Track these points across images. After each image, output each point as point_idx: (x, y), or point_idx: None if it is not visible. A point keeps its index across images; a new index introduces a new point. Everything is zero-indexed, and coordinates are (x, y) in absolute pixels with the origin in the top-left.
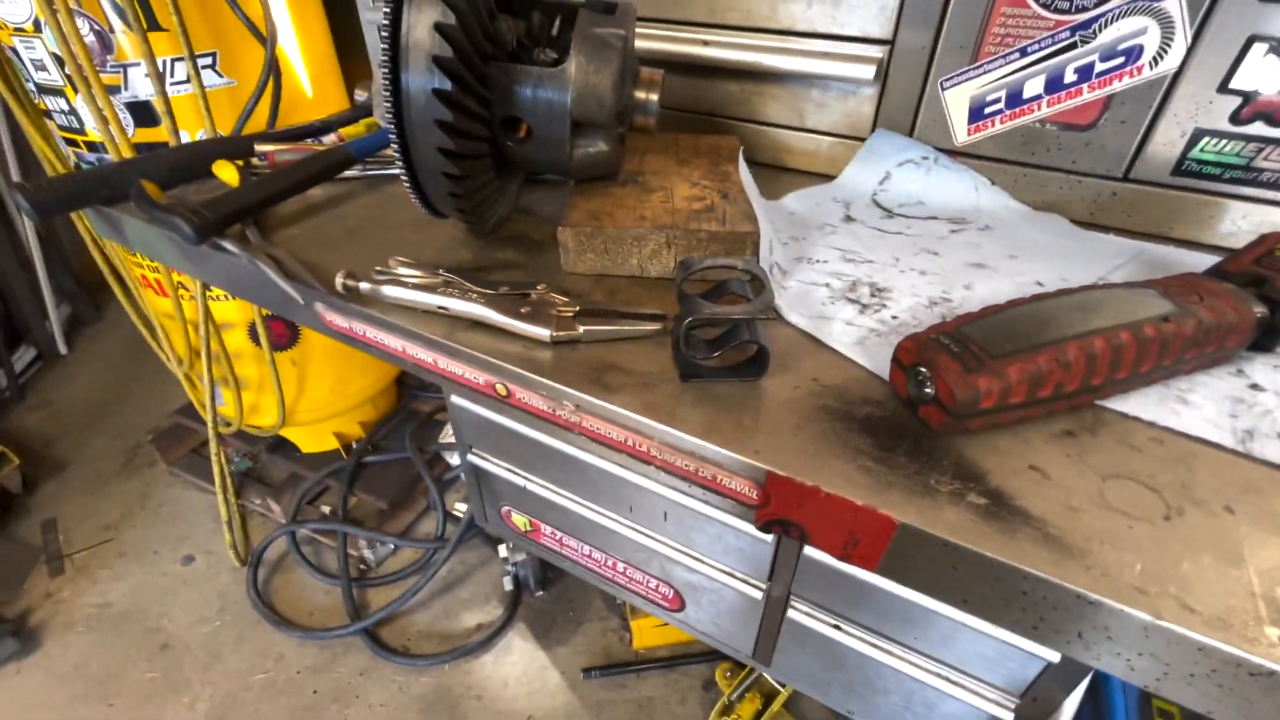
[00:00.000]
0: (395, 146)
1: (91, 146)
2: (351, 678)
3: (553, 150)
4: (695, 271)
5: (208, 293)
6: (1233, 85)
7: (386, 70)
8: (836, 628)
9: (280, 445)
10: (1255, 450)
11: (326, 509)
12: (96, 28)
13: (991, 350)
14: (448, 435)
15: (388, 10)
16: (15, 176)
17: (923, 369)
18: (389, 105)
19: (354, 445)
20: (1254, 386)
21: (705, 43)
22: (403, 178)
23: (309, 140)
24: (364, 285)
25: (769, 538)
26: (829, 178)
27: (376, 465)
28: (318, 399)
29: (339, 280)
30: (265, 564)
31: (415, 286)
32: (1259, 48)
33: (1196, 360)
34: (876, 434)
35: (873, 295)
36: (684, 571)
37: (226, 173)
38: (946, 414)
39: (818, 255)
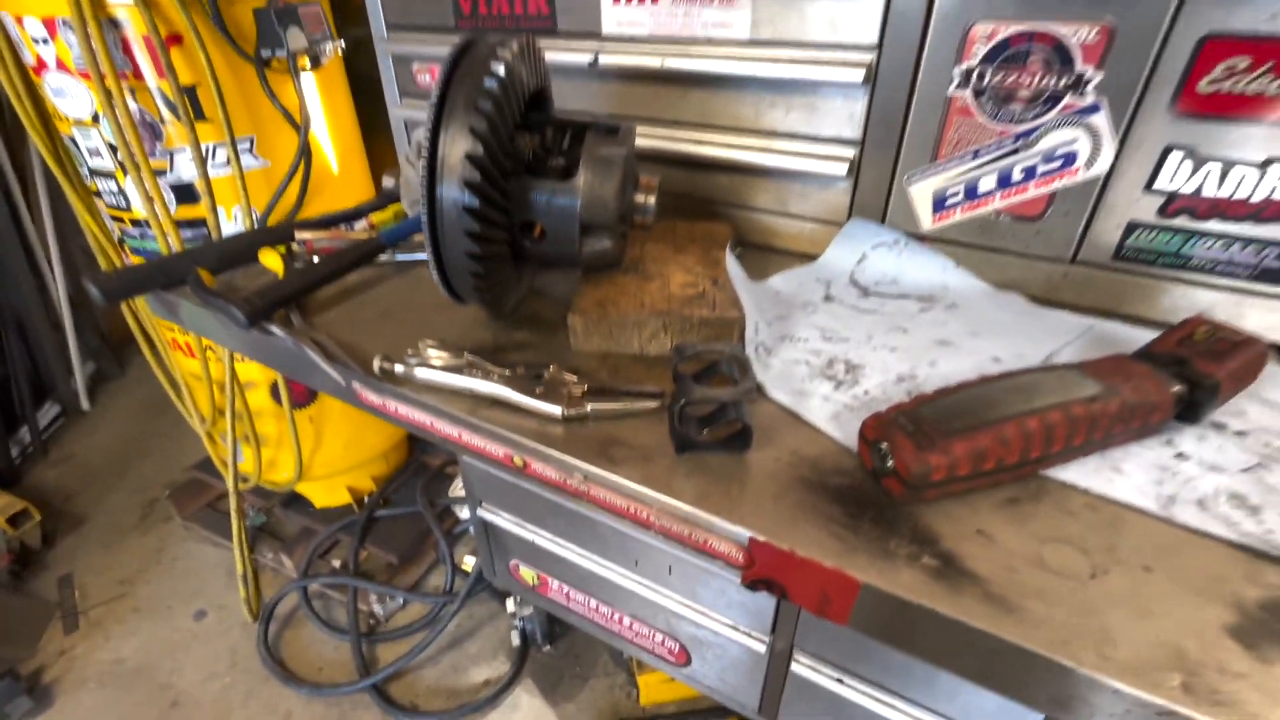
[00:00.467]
0: (428, 246)
1: (136, 223)
2: None
3: (564, 248)
4: (689, 356)
5: (233, 356)
6: (1156, 186)
7: (425, 184)
8: (840, 681)
9: (294, 500)
10: (1175, 515)
11: (337, 563)
12: (149, 119)
13: (941, 429)
14: (457, 489)
15: (428, 137)
16: (53, 245)
17: (883, 444)
18: (426, 212)
19: (366, 499)
20: (1179, 455)
21: (698, 142)
22: (433, 271)
23: (342, 227)
24: (398, 368)
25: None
26: (812, 257)
27: (387, 519)
28: (333, 454)
29: (376, 364)
30: (276, 619)
31: (442, 368)
32: (1175, 155)
33: (1125, 433)
34: (846, 502)
35: (847, 372)
36: (689, 626)
37: (271, 260)
38: (904, 485)
39: (800, 333)
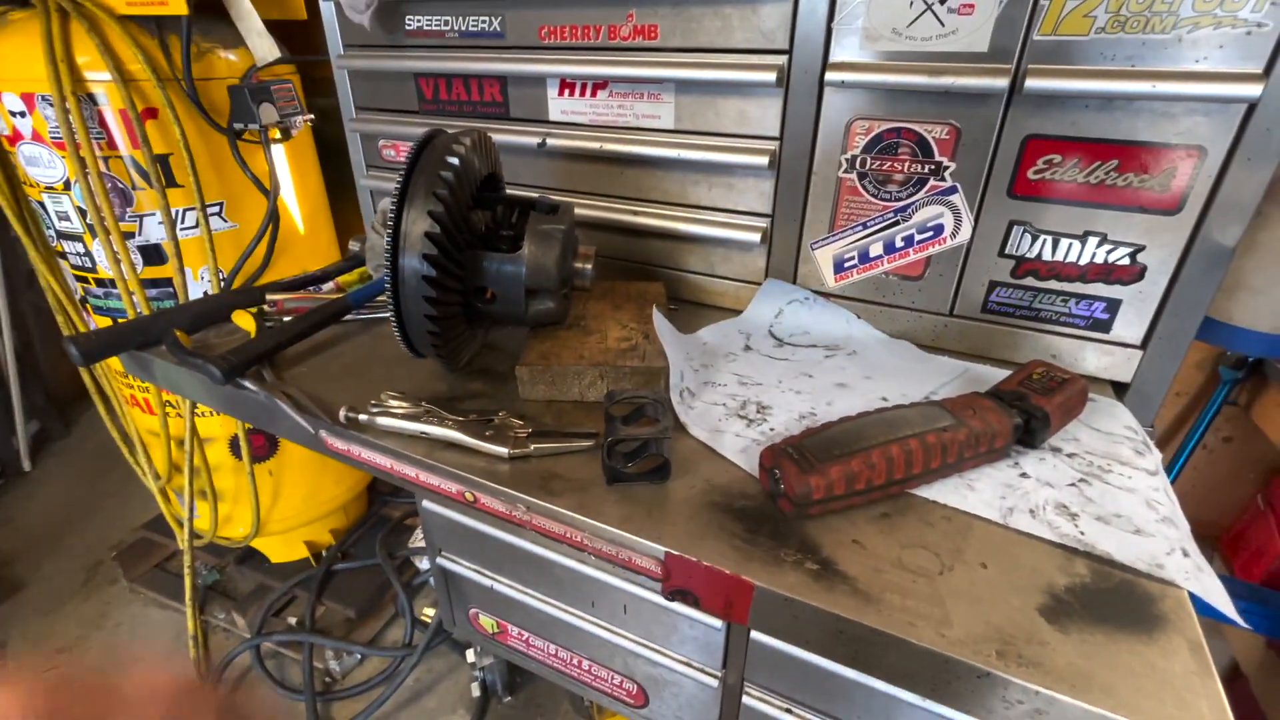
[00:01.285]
0: (390, 309)
1: (100, 283)
2: None
3: (512, 308)
4: (619, 400)
5: (195, 411)
6: (1007, 252)
7: (389, 256)
8: (789, 711)
9: (249, 556)
10: (1012, 522)
11: (293, 620)
12: (120, 185)
13: (820, 456)
14: (417, 540)
15: (392, 216)
16: (1, 302)
17: (776, 470)
18: (389, 280)
19: (324, 553)
20: (1022, 475)
21: (635, 213)
22: (395, 331)
23: (310, 289)
24: (362, 416)
25: (719, 624)
26: (738, 312)
27: (345, 573)
28: (291, 508)
29: (342, 413)
30: (226, 682)
31: (402, 416)
32: (1017, 228)
33: (976, 457)
34: (747, 520)
35: (757, 412)
36: (645, 665)
37: (244, 321)
38: (792, 503)
39: (720, 380)
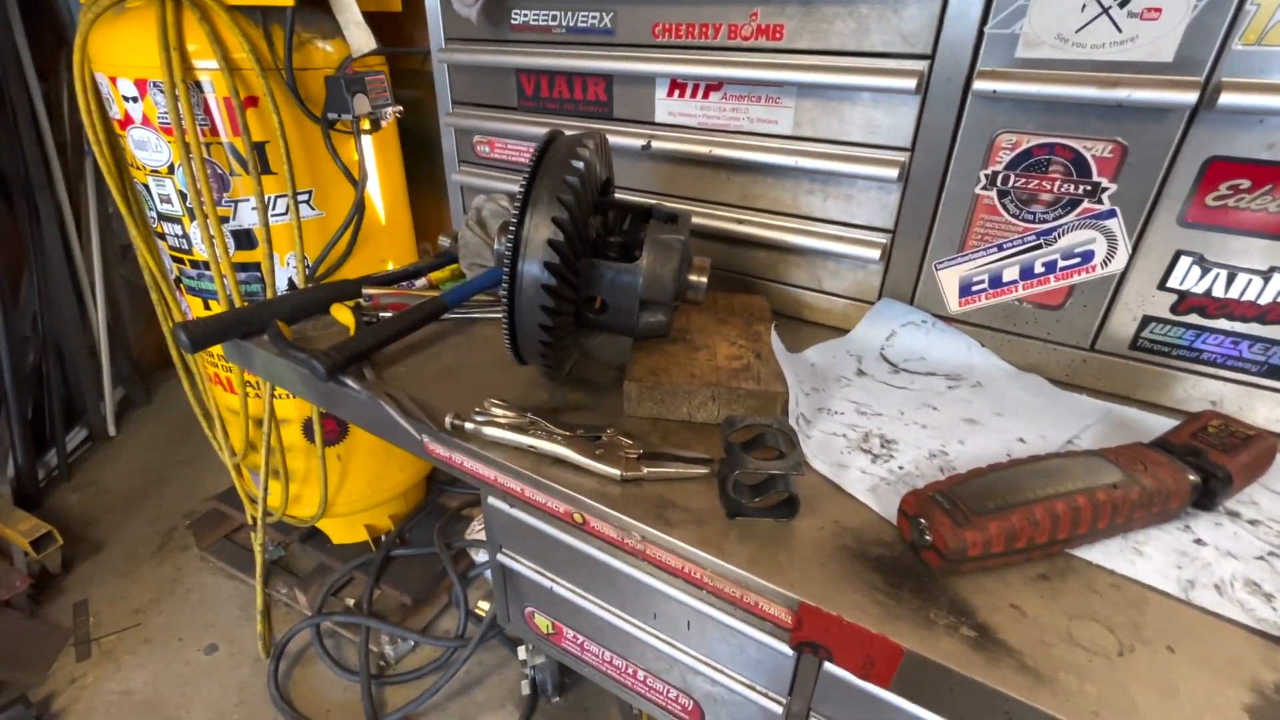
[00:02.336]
0: (505, 315)
1: (195, 264)
2: None
3: (623, 319)
4: (739, 428)
5: (274, 394)
6: (1169, 285)
7: (509, 261)
8: None
9: (312, 535)
10: (1195, 598)
11: (351, 601)
12: (219, 171)
13: (975, 508)
14: (474, 531)
15: (514, 219)
16: (98, 274)
17: (923, 520)
18: (506, 286)
19: (383, 538)
20: (1197, 541)
21: (739, 221)
22: (504, 335)
23: (404, 284)
24: (468, 425)
25: (790, 651)
26: (843, 330)
27: (403, 559)
28: (356, 492)
29: (448, 421)
30: (287, 656)
31: (508, 427)
32: (1185, 259)
33: (1145, 518)
34: (886, 572)
35: (882, 446)
36: (705, 683)
37: (343, 315)
38: (942, 558)
39: (836, 407)
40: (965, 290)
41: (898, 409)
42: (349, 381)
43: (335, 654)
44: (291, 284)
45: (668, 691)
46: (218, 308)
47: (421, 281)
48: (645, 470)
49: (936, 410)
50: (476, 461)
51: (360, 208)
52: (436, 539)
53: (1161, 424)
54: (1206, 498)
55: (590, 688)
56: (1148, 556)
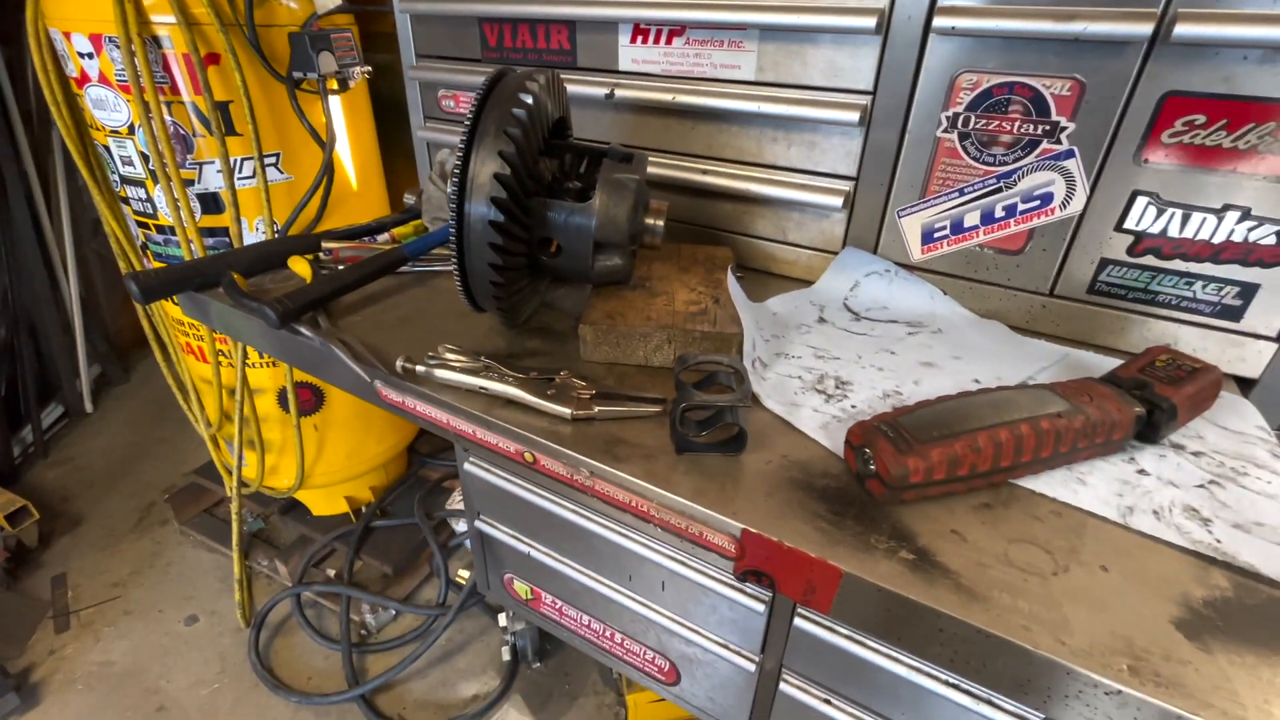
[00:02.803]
0: (453, 257)
1: (160, 229)
2: None
3: (578, 263)
4: (690, 365)
5: (246, 361)
6: (1126, 226)
7: (454, 199)
8: (827, 702)
9: (292, 507)
10: (1133, 523)
11: (332, 572)
12: (182, 132)
13: (919, 436)
14: (454, 502)
15: (460, 157)
16: (69, 249)
17: (867, 449)
18: (453, 226)
19: (363, 509)
20: (1141, 472)
21: (704, 171)
22: (456, 280)
23: (366, 239)
24: (419, 368)
25: (761, 608)
26: (808, 282)
27: (384, 530)
28: (334, 463)
29: (399, 363)
30: (267, 626)
31: (461, 370)
32: (1141, 199)
33: (1090, 448)
34: (831, 501)
35: (837, 387)
36: (680, 643)
37: (300, 267)
38: (885, 486)
39: (794, 351)
40: (928, 237)
41: (856, 354)
42: (302, 329)
43: (316, 624)
44: None
45: (644, 653)
46: None
47: (384, 237)
48: (596, 409)
49: (894, 355)
50: (429, 405)
51: (329, 170)
52: (417, 510)
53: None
54: (1151, 429)
55: (570, 653)
56: (1090, 486)
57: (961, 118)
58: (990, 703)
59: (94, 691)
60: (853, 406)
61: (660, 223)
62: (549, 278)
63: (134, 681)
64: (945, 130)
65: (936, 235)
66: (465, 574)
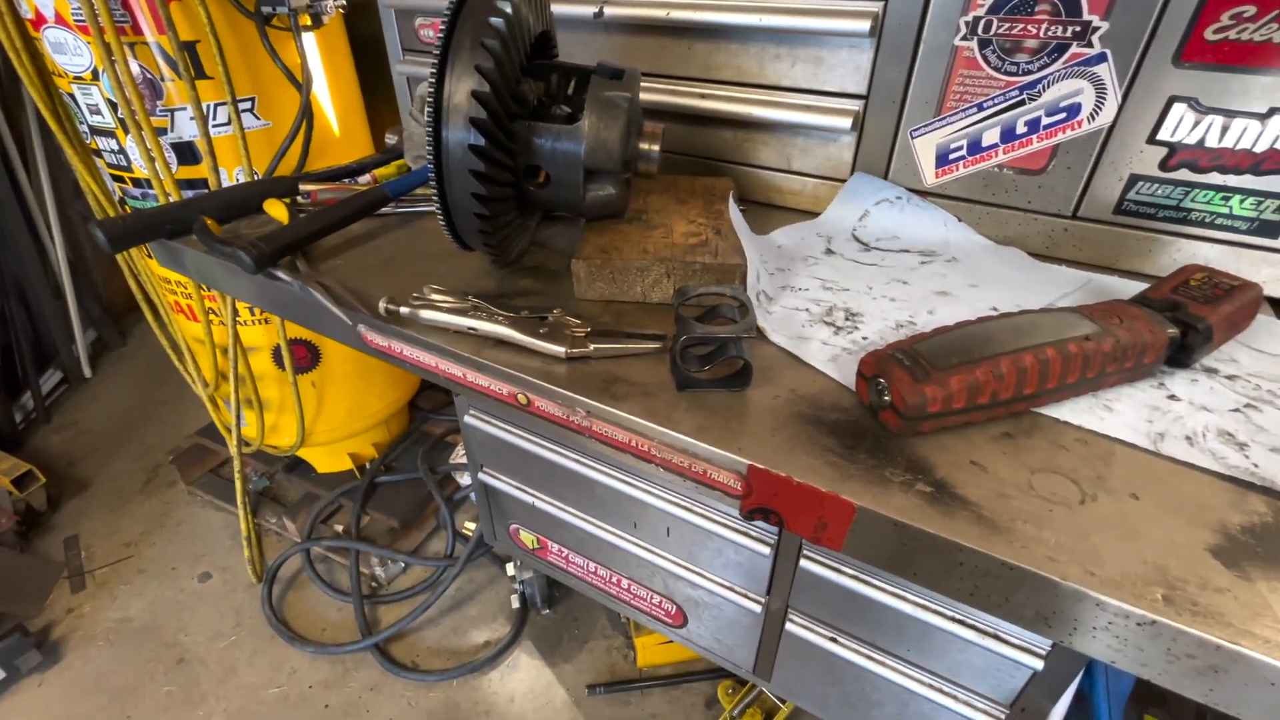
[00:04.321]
0: (434, 190)
1: (137, 183)
2: (362, 693)
3: (568, 193)
4: (691, 298)
5: (237, 319)
6: (1159, 137)
7: (430, 125)
8: (833, 640)
9: (296, 465)
10: (1164, 449)
11: (339, 527)
12: (149, 76)
13: (937, 363)
14: (458, 456)
15: (432, 75)
16: (52, 211)
17: (881, 379)
18: (430, 155)
19: (367, 465)
20: (1171, 397)
21: (702, 95)
22: (439, 216)
23: (346, 180)
24: (403, 309)
25: (766, 550)
26: (814, 214)
27: (388, 485)
28: (335, 420)
29: (381, 305)
30: (279, 581)
31: (448, 310)
32: (1178, 106)
33: (1118, 373)
34: (842, 435)
35: (846, 319)
36: (686, 587)
37: (276, 210)
38: (900, 417)
39: (800, 284)
40: (942, 159)
41: (866, 284)
42: (279, 273)
43: (327, 577)
44: None
45: (651, 598)
46: None
47: (366, 178)
48: (592, 347)
49: (907, 284)
50: (415, 348)
51: (307, 114)
52: (421, 465)
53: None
54: (1184, 352)
55: (578, 599)
56: (1117, 412)
57: (983, 22)
58: (996, 636)
59: (114, 646)
60: (864, 338)
61: (655, 147)
62: (540, 214)
63: (153, 636)
64: (964, 37)
65: (952, 156)
66: (471, 526)
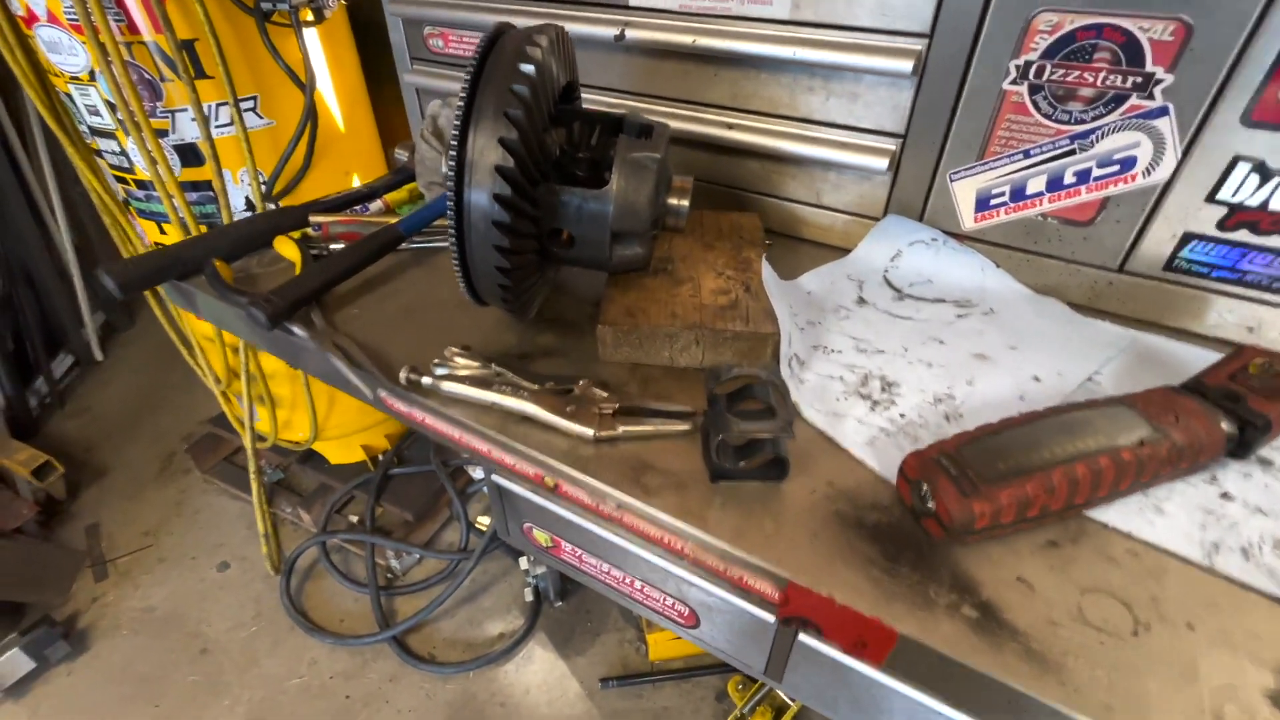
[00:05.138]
0: (454, 253)
1: (140, 184)
2: (381, 684)
3: (594, 252)
4: (724, 380)
5: None
6: (1219, 197)
7: (450, 184)
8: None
9: (309, 456)
10: (1219, 565)
11: (354, 518)
12: (147, 76)
13: (985, 474)
14: None
15: (454, 141)
16: (54, 194)
17: (924, 486)
18: (453, 221)
19: (380, 458)
20: (1224, 496)
21: (729, 125)
22: (457, 273)
23: (357, 209)
24: (425, 380)
25: (772, 619)
26: (843, 250)
27: (402, 477)
28: (347, 415)
29: (403, 375)
30: (297, 572)
31: (470, 381)
32: (1243, 166)
33: (1171, 474)
34: (883, 542)
35: (883, 390)
36: (698, 593)
37: (288, 249)
38: (946, 530)
39: (833, 344)
40: (983, 204)
41: (901, 344)
42: (295, 329)
43: (343, 568)
44: (249, 204)
45: (664, 599)
46: (173, 231)
47: (377, 204)
48: (621, 429)
49: (944, 345)
50: (439, 420)
51: (311, 113)
52: (433, 458)
53: (1190, 354)
54: (1241, 448)
55: (591, 593)
56: (1168, 515)
57: (1035, 67)
58: None
59: (139, 636)
60: (901, 415)
61: (685, 202)
62: (559, 263)
63: (176, 626)
64: (1014, 81)
65: (993, 202)
66: (485, 520)
